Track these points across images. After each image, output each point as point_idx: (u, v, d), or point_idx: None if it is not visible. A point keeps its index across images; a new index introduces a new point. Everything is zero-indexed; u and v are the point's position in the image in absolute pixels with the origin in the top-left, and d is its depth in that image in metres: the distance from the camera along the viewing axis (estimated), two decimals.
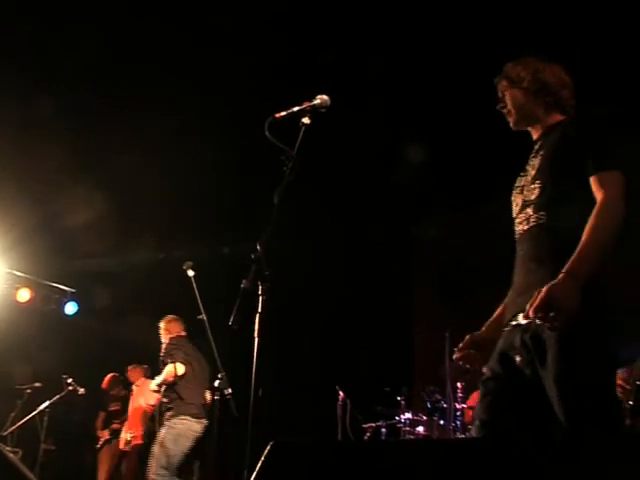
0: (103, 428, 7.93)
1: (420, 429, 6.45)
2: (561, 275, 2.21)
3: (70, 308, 8.68)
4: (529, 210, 2.49)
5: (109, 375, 7.68)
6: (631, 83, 5.85)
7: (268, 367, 2.46)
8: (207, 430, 5.97)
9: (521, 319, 2.37)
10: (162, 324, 6.24)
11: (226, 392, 4.69)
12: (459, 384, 7.14)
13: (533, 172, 2.53)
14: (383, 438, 6.70)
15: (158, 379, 5.94)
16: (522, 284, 2.47)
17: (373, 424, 6.98)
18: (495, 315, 2.68)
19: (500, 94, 2.71)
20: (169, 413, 5.81)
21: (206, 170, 7.17)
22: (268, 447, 1.54)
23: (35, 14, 5.98)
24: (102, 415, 8.00)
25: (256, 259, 2.54)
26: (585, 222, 2.30)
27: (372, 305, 8.47)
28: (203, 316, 4.99)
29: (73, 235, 7.81)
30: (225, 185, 7.50)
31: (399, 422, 6.67)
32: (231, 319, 2.43)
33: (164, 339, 6.18)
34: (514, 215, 2.60)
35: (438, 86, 5.67)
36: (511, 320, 2.44)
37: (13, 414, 6.93)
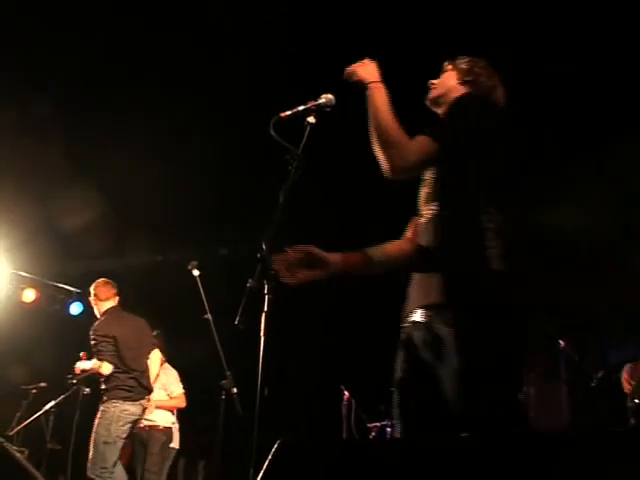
0: None
1: None
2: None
3: (75, 308, 8.69)
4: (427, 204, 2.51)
5: None
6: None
7: (273, 366, 2.46)
8: (212, 429, 5.93)
9: (419, 316, 2.37)
10: (92, 289, 6.04)
11: (232, 391, 4.69)
12: None
13: None
14: (388, 437, 6.69)
15: (85, 365, 5.81)
16: (417, 279, 2.46)
17: (378, 423, 6.98)
18: (352, 255, 2.65)
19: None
20: (104, 398, 5.72)
21: (213, 169, 7.18)
22: (275, 446, 1.54)
23: (30, 14, 5.98)
24: None
25: (262, 258, 2.53)
26: (462, 219, 2.35)
27: (377, 303, 8.44)
28: (209, 316, 5.00)
29: (78, 235, 7.82)
30: (227, 185, 7.49)
31: None
32: (237, 318, 2.42)
33: (96, 310, 6.02)
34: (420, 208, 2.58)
35: None
36: (408, 316, 2.43)
37: (19, 414, 6.94)
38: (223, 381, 4.73)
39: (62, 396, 6.86)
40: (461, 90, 2.60)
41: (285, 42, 6.02)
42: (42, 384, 7.32)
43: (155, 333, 6.43)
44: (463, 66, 2.65)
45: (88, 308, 8.71)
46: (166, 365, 7.13)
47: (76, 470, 8.11)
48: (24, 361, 7.82)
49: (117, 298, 6.05)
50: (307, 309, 7.21)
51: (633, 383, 4.33)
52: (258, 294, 2.52)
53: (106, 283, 6.05)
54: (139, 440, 6.85)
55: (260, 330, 2.49)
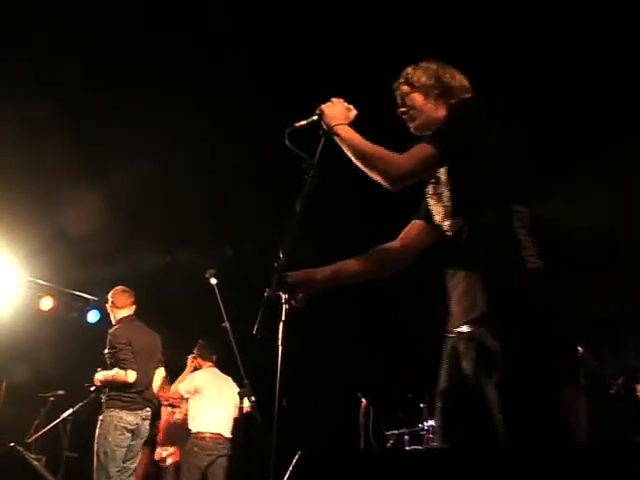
0: None
1: None
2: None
3: (92, 316, 8.74)
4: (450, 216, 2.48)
5: None
6: None
7: (291, 375, 2.45)
8: (232, 439, 5.90)
9: (465, 328, 2.33)
10: (109, 296, 6.06)
11: (250, 400, 4.69)
12: None
13: (443, 177, 2.51)
14: (406, 446, 6.67)
15: (107, 374, 5.77)
16: (459, 293, 2.41)
17: (396, 431, 6.96)
18: (332, 268, 2.68)
19: (399, 99, 2.70)
20: (103, 407, 5.73)
21: (225, 171, 7.20)
22: (296, 457, 1.53)
23: (34, 14, 6.01)
24: None
25: (279, 267, 2.53)
26: (493, 224, 2.31)
27: (394, 311, 8.44)
28: (226, 324, 4.99)
29: (95, 242, 7.85)
30: (238, 186, 7.49)
31: (422, 429, 6.64)
32: (255, 328, 2.42)
33: (112, 316, 6.04)
34: (438, 223, 2.56)
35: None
36: (453, 329, 2.39)
37: (36, 422, 6.98)
38: (241, 389, 4.73)
39: (80, 404, 6.88)
40: (438, 103, 2.59)
41: (302, 47, 6.02)
42: (60, 392, 7.36)
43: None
44: (423, 80, 2.63)
45: (105, 316, 8.77)
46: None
47: (92, 478, 8.15)
48: (41, 369, 7.85)
49: (134, 307, 6.08)
50: (323, 317, 7.20)
51: None
52: (276, 303, 2.53)
53: (124, 291, 6.07)
54: None
55: (278, 339, 2.49)
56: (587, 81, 6.03)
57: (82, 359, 7.85)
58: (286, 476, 1.50)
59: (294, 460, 1.53)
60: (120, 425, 5.55)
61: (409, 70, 2.69)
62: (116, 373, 5.68)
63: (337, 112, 2.60)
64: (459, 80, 2.63)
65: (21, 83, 6.42)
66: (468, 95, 2.60)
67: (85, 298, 8.71)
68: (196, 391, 6.68)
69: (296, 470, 1.51)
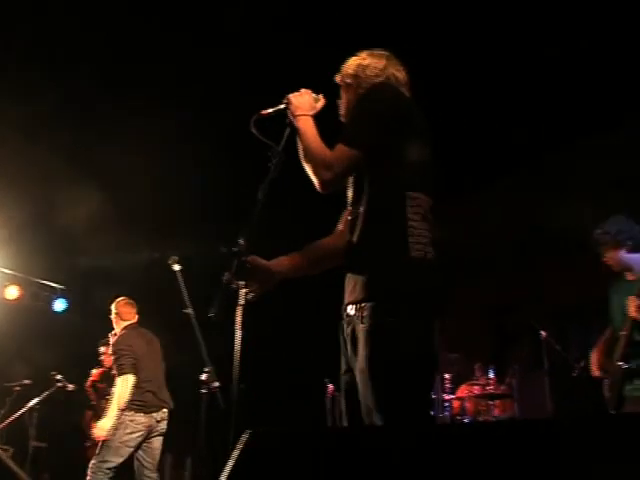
0: (91, 426, 7.79)
1: None
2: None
3: (59, 305, 8.68)
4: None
5: (98, 370, 7.54)
6: None
7: (257, 361, 2.47)
8: (197, 425, 5.89)
9: (349, 310, 2.41)
10: (113, 307, 6.03)
11: (213, 386, 4.69)
12: (447, 375, 7.18)
13: None
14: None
15: (115, 405, 5.61)
16: (348, 276, 2.50)
17: None
18: (289, 257, 2.72)
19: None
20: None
21: (200, 167, 7.18)
22: (245, 436, 1.55)
23: (28, 13, 5.96)
24: (89, 413, 7.87)
25: (238, 253, 2.54)
26: (381, 209, 2.38)
27: None
28: (189, 310, 4.98)
29: (62, 232, 7.79)
30: (219, 182, 7.48)
31: None
32: (210, 310, 2.44)
33: (115, 326, 6.02)
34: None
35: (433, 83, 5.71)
36: (344, 311, 2.46)
37: (2, 411, 6.93)
38: (204, 375, 4.72)
39: (46, 393, 6.85)
40: (358, 95, 2.62)
41: (275, 39, 6.02)
42: (26, 381, 7.31)
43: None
44: (349, 71, 2.68)
45: (72, 304, 8.73)
46: None
47: (60, 468, 8.13)
48: (7, 358, 7.78)
49: (137, 316, 6.10)
50: (288, 302, 7.22)
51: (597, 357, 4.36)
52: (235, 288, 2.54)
53: (127, 303, 6.08)
54: None
55: (236, 324, 2.50)
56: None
57: (49, 348, 7.82)
58: (233, 454, 1.52)
59: (242, 438, 1.55)
60: (131, 425, 5.55)
61: (346, 62, 2.73)
62: (117, 389, 5.64)
63: (303, 102, 2.62)
64: (381, 69, 2.64)
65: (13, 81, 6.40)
66: (403, 88, 2.62)
67: (52, 287, 8.64)
68: None
69: (244, 449, 1.53)
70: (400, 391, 2.21)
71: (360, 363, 2.28)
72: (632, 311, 3.96)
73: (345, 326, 2.44)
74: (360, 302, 2.33)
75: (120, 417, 5.53)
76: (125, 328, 6.00)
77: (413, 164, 2.42)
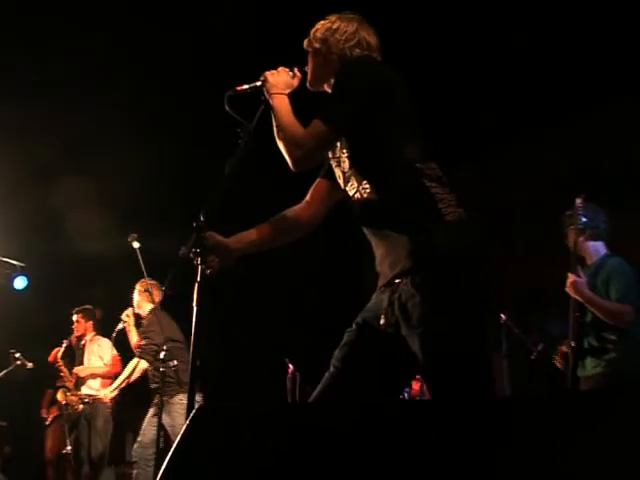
0: (51, 404, 7.73)
1: None
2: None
3: (20, 283, 8.54)
4: (353, 181, 2.52)
5: (58, 348, 7.43)
6: None
7: (218, 340, 2.46)
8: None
9: (388, 285, 2.40)
10: (146, 288, 5.90)
11: (172, 364, 4.70)
12: None
13: (338, 142, 2.54)
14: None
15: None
16: (382, 255, 2.48)
17: None
18: (248, 233, 2.69)
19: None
20: (165, 397, 5.52)
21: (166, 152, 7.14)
22: (194, 412, 1.55)
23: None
24: (50, 392, 7.79)
25: (197, 228, 2.52)
26: (402, 184, 2.37)
27: (322, 274, 8.50)
28: (150, 289, 4.98)
29: (21, 209, 7.68)
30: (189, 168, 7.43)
31: None
32: (165, 284, 2.42)
33: (140, 306, 6.02)
34: (342, 187, 2.61)
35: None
36: (387, 285, 2.44)
37: None
38: (163, 353, 4.73)
39: (4, 371, 6.78)
40: (330, 60, 2.58)
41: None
42: None
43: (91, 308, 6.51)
44: (318, 35, 2.62)
45: (33, 282, 8.60)
46: (97, 336, 7.19)
47: (21, 444, 8.08)
48: None
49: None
50: (249, 280, 7.21)
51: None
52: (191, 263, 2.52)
53: (154, 285, 5.91)
54: (83, 417, 6.73)
55: (193, 301, 2.49)
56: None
57: (9, 326, 7.72)
58: (182, 429, 1.52)
59: (192, 414, 1.55)
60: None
61: (315, 26, 2.68)
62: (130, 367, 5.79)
63: (280, 81, 2.58)
64: (352, 32, 2.58)
65: None
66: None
67: (12, 264, 8.50)
68: None
69: (193, 424, 1.53)
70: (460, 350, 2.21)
71: (418, 326, 2.25)
72: (567, 286, 4.05)
73: (382, 294, 2.42)
74: (408, 271, 2.31)
75: (182, 401, 5.38)
76: (154, 310, 5.93)
77: (413, 134, 2.44)
